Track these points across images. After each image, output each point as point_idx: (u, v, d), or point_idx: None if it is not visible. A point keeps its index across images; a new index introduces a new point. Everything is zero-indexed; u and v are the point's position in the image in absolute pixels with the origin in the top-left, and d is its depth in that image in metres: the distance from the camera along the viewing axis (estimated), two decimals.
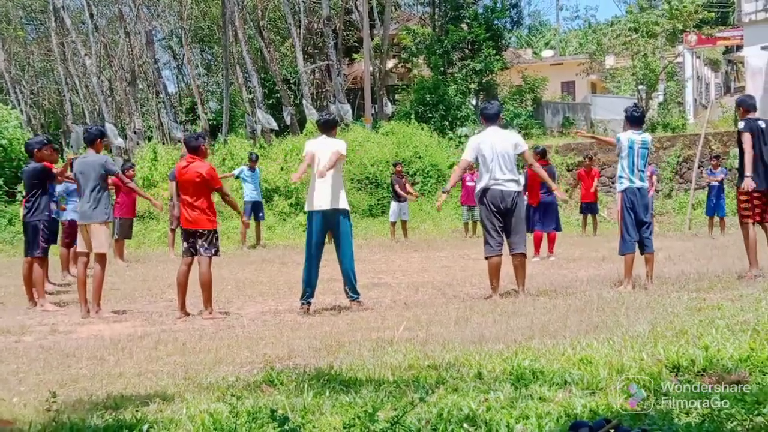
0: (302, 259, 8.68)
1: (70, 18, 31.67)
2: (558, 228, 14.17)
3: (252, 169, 17.94)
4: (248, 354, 5.83)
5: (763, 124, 9.09)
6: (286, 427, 3.12)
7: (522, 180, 8.83)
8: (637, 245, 8.80)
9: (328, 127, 8.73)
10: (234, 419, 3.64)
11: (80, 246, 9.01)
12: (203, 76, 39.51)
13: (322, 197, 8.41)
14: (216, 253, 8.51)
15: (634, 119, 8.99)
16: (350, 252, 8.56)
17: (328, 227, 8.53)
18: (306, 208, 8.75)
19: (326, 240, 8.70)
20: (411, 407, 3.62)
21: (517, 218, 8.51)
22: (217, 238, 8.56)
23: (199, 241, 8.41)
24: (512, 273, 8.67)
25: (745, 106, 9.32)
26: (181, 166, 8.55)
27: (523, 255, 8.59)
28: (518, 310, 7.29)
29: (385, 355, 5.23)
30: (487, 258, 8.52)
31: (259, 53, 32.93)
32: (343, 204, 8.51)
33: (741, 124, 9.18)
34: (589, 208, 19.32)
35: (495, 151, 8.44)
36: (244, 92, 31.13)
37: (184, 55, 36.22)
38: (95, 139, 9.03)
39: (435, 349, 5.36)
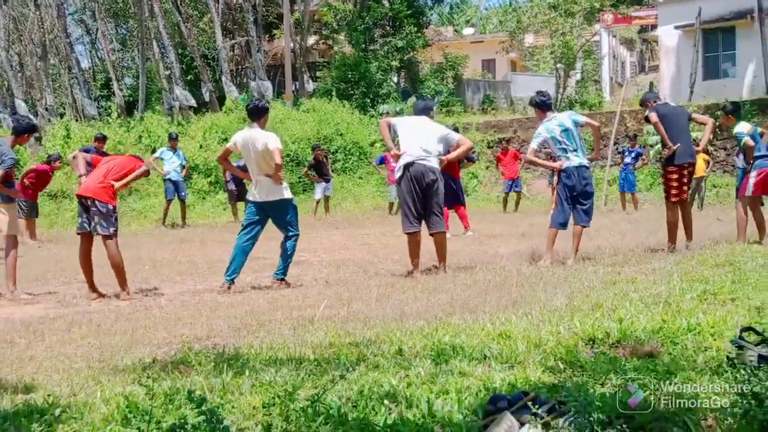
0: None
1: None
2: (459, 202, 13.95)
3: (173, 148, 17.66)
4: (165, 335, 5.72)
5: (672, 103, 9.41)
6: (203, 408, 3.05)
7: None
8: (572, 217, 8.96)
9: (257, 114, 8.50)
10: (150, 401, 3.55)
11: None
12: (118, 51, 38.47)
13: (264, 190, 8.34)
14: (115, 233, 8.20)
15: (540, 104, 9.16)
16: (289, 235, 8.48)
17: (269, 214, 8.47)
18: (248, 198, 8.66)
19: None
20: (331, 385, 3.60)
21: (436, 196, 8.48)
22: (116, 218, 8.28)
23: (96, 218, 8.08)
24: (434, 250, 8.71)
25: (650, 100, 9.66)
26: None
27: (443, 233, 8.63)
28: (439, 286, 7.34)
29: (305, 334, 5.19)
30: (406, 233, 8.53)
31: (176, 28, 32.20)
32: (286, 194, 8.44)
33: (647, 112, 9.45)
34: (511, 185, 19.70)
35: (419, 130, 8.45)
36: (161, 68, 30.44)
37: (97, 29, 35.19)
38: (23, 133, 8.81)
39: (356, 326, 5.36)
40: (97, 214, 8.10)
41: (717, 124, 11.23)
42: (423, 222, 8.57)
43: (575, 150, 8.89)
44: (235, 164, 9.67)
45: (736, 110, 10.13)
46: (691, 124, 9.70)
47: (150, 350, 5.10)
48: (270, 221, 8.56)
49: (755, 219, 9.58)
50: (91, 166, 8.51)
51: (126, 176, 8.34)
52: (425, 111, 8.85)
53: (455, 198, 13.70)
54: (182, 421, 3.07)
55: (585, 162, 8.95)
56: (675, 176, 9.20)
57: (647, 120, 9.42)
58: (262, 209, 8.42)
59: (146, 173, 8.54)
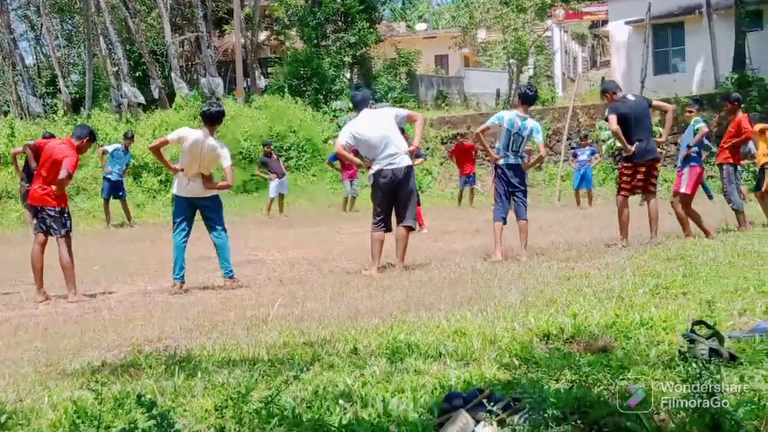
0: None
1: None
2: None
3: (127, 149, 17.38)
4: (115, 337, 5.60)
5: (632, 97, 9.44)
6: (154, 411, 2.98)
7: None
8: (512, 212, 9.03)
9: (216, 121, 8.44)
10: (99, 406, 3.47)
11: None
12: (64, 47, 37.67)
13: (197, 187, 8.28)
14: (67, 234, 8.13)
15: (522, 95, 9.23)
16: (223, 228, 8.41)
17: (199, 210, 8.40)
18: (174, 191, 8.53)
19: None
20: (285, 386, 3.55)
21: (409, 192, 8.50)
22: (67, 219, 8.20)
23: (48, 221, 8.07)
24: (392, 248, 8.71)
25: (610, 91, 9.63)
26: (49, 143, 8.25)
27: (409, 228, 8.60)
28: (394, 284, 7.32)
29: (259, 334, 5.14)
30: (372, 230, 8.54)
31: (123, 24, 31.68)
32: (209, 193, 8.37)
33: (606, 110, 9.54)
34: (466, 180, 19.79)
35: (376, 132, 8.36)
36: (108, 64, 29.96)
37: (42, 25, 34.52)
38: None
39: (311, 325, 5.31)
40: (48, 217, 8.10)
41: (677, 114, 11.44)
42: (392, 222, 8.63)
43: (516, 152, 9.02)
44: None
45: (702, 107, 10.31)
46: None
47: (99, 353, 4.99)
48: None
49: (690, 217, 9.69)
50: (39, 149, 8.32)
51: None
52: (365, 102, 8.79)
53: None
54: (132, 425, 3.01)
55: (519, 162, 9.10)
56: (629, 172, 9.33)
57: (607, 119, 9.49)
58: (191, 205, 8.36)
59: (69, 177, 8.19)
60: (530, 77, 36.03)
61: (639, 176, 9.29)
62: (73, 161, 8.07)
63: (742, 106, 11.01)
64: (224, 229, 8.46)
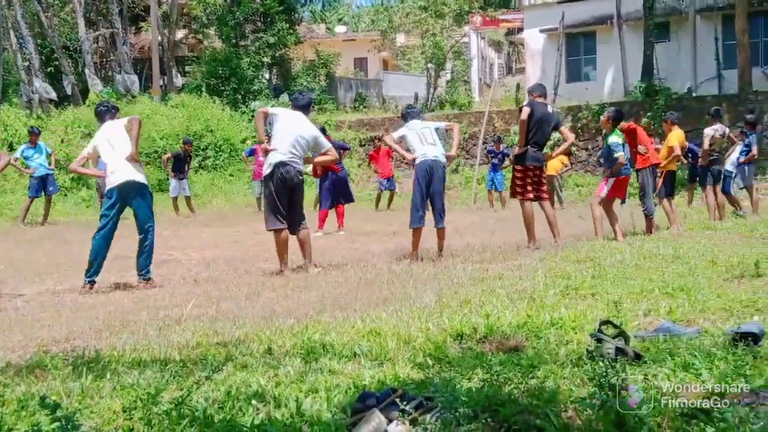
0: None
1: None
2: (350, 199, 14.17)
3: (33, 143, 16.73)
4: (21, 338, 5.42)
5: (549, 110, 9.58)
6: (58, 413, 2.90)
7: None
8: (428, 219, 9.09)
9: (105, 115, 8.45)
10: (1, 408, 3.37)
11: None
12: None
13: (128, 171, 8.02)
14: None
15: (406, 115, 9.57)
16: (151, 225, 8.20)
17: (127, 202, 8.13)
18: (107, 187, 8.27)
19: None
20: (197, 386, 3.50)
21: (300, 196, 8.52)
22: None
23: None
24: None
25: (535, 93, 9.76)
26: None
27: (306, 229, 8.57)
28: (310, 284, 7.30)
29: (172, 334, 5.05)
30: (273, 231, 8.43)
31: (35, 18, 30.76)
32: (142, 178, 8.14)
33: (524, 103, 9.71)
34: (385, 184, 19.88)
35: (295, 128, 8.33)
36: (19, 59, 29.04)
37: None
38: None
39: (225, 325, 5.25)
40: None
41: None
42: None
43: (433, 145, 9.19)
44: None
45: (618, 117, 10.46)
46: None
47: (3, 354, 4.82)
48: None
49: (609, 216, 10.03)
50: None
51: None
52: (306, 107, 8.76)
53: (348, 195, 13.87)
54: (35, 428, 2.93)
55: (441, 158, 9.20)
56: (520, 175, 9.48)
57: (521, 109, 9.65)
58: (121, 198, 8.07)
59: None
60: (448, 82, 36.42)
61: (529, 180, 9.45)
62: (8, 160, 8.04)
63: (649, 114, 11.42)
64: (151, 227, 8.19)
